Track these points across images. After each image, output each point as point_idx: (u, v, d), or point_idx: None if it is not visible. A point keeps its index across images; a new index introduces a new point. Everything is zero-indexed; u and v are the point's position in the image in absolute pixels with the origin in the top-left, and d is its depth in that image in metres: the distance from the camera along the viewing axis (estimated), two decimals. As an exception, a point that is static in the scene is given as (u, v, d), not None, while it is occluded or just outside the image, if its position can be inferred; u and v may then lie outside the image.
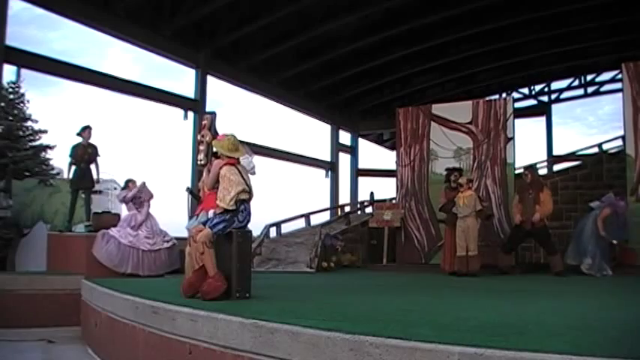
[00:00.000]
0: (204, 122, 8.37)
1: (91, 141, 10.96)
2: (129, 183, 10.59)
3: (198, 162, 8.23)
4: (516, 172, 12.57)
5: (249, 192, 5.96)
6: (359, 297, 6.78)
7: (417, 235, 13.04)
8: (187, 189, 9.01)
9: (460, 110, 13.15)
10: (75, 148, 10.82)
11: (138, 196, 10.39)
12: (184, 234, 9.11)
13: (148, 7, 13.07)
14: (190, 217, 8.65)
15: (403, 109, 14.08)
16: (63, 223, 11.40)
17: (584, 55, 18.78)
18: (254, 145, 14.72)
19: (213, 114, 8.44)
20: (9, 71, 11.32)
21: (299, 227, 15.01)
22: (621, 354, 3.09)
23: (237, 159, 6.08)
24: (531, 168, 11.40)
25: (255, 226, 10.41)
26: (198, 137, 8.31)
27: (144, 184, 10.51)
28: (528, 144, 39.98)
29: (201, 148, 8.15)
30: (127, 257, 9.60)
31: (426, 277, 10.29)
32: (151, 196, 10.55)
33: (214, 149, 7.25)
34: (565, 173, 15.00)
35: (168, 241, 9.98)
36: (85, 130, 10.85)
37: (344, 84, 19.23)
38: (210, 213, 5.97)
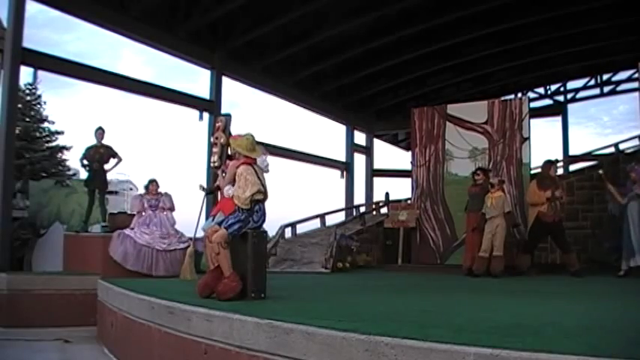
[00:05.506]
0: (218, 124, 8.36)
1: (105, 142, 11.02)
2: (151, 183, 10.65)
3: (212, 164, 8.23)
4: (532, 172, 12.50)
5: (264, 193, 5.98)
6: (374, 297, 6.79)
7: (433, 236, 13.00)
8: (202, 187, 8.94)
9: (475, 110, 13.09)
10: (88, 150, 10.89)
11: (161, 206, 10.54)
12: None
13: (163, 8, 13.09)
14: (206, 218, 8.66)
15: (418, 109, 14.04)
16: (79, 224, 11.48)
17: (599, 54, 18.61)
18: (269, 145, 14.70)
19: (227, 116, 8.44)
20: (26, 73, 11.38)
21: (314, 228, 15.00)
22: (639, 355, 3.07)
23: (255, 159, 6.11)
24: (554, 163, 11.30)
25: (271, 227, 10.43)
26: (212, 139, 8.31)
27: (170, 197, 10.67)
28: (543, 144, 39.79)
29: (215, 150, 8.15)
30: (143, 257, 9.66)
31: (442, 277, 10.26)
32: (172, 208, 10.69)
33: (230, 150, 7.29)
34: (581, 173, 14.90)
35: (184, 242, 9.99)
36: (98, 132, 10.93)
37: (359, 84, 19.18)
38: (231, 191, 5.97)
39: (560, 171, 16.37)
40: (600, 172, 11.18)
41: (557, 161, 11.07)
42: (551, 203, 10.48)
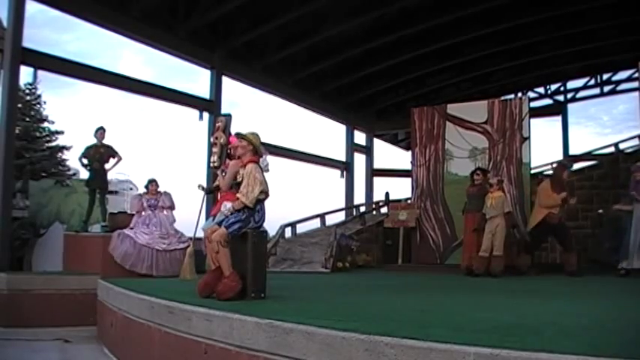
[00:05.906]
0: (218, 124, 8.35)
1: (106, 142, 11.01)
2: (151, 183, 10.63)
3: (212, 164, 8.21)
4: (532, 172, 12.50)
5: (267, 192, 5.97)
6: (374, 297, 6.78)
7: (433, 236, 13.00)
8: (201, 187, 8.85)
9: (475, 110, 13.09)
10: (88, 149, 10.89)
11: (161, 206, 10.52)
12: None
13: (163, 8, 13.09)
14: (206, 218, 8.65)
15: (418, 109, 14.04)
16: (79, 224, 11.48)
17: (599, 54, 18.61)
18: (269, 145, 14.69)
19: (228, 116, 8.43)
20: (26, 73, 11.38)
21: (314, 227, 15.00)
22: (639, 355, 3.06)
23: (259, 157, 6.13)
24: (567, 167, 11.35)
25: (271, 227, 10.42)
26: (212, 139, 8.30)
27: (169, 195, 10.65)
28: (543, 144, 39.74)
29: (215, 150, 8.15)
30: (143, 257, 9.64)
31: (442, 277, 10.25)
32: (172, 206, 10.67)
33: (230, 149, 7.30)
34: (581, 173, 14.89)
35: (184, 242, 9.97)
36: (99, 132, 10.92)
37: (359, 84, 19.18)
38: (229, 205, 5.93)
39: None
40: (600, 211, 11.35)
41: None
42: (563, 206, 10.49)
